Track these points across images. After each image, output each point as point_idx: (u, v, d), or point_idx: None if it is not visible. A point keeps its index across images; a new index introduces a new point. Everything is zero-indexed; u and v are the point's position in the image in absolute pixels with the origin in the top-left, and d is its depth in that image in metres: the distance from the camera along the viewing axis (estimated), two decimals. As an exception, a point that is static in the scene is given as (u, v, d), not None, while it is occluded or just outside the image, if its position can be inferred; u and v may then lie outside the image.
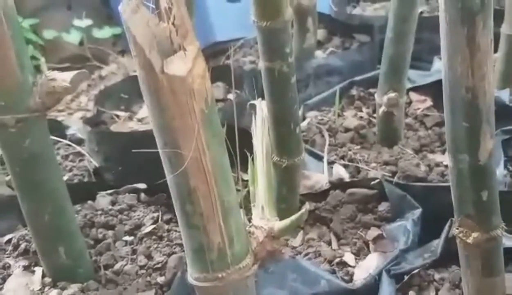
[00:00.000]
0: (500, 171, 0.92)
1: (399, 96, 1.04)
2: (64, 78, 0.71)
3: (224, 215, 0.51)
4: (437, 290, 0.77)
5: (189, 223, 0.51)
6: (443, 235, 0.81)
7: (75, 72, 0.71)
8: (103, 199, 0.96)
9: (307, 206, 0.92)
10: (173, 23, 0.47)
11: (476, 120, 0.59)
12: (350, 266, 0.83)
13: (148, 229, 0.88)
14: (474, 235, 0.64)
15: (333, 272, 0.82)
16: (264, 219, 0.58)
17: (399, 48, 1.03)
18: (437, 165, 1.01)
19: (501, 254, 0.66)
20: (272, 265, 0.78)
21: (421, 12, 1.48)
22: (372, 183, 0.93)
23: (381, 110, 1.08)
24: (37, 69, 2.17)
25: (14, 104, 0.71)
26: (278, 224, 0.57)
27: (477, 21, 0.54)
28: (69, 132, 1.33)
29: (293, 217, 0.58)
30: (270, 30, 0.79)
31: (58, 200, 0.78)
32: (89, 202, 0.96)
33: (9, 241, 0.91)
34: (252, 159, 0.71)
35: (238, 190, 0.59)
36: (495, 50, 1.34)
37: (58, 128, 1.32)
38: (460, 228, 0.65)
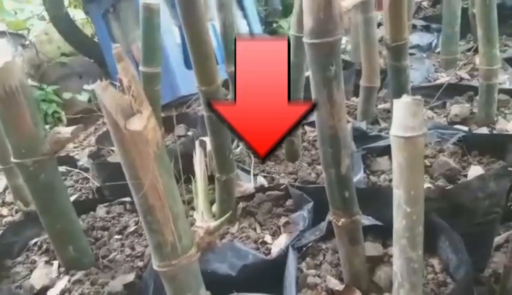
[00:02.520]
0: (361, 175, 0.94)
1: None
2: (66, 131, 0.68)
3: (174, 221, 0.50)
4: (324, 255, 0.77)
5: (150, 228, 0.50)
6: (326, 219, 0.81)
7: (73, 127, 0.69)
8: (101, 210, 0.93)
9: (240, 205, 0.91)
10: (132, 95, 0.46)
11: (337, 147, 0.60)
12: (269, 244, 0.83)
13: (132, 229, 0.86)
14: (342, 220, 0.65)
15: (258, 249, 0.82)
16: (203, 221, 0.57)
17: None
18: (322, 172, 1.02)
19: (360, 230, 0.67)
20: (216, 248, 0.77)
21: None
22: (281, 187, 0.93)
23: (286, 139, 1.09)
24: (59, 120, 2.10)
25: (31, 151, 0.69)
26: (213, 224, 0.56)
27: (333, 84, 0.56)
28: (80, 163, 1.28)
29: (222, 219, 0.58)
30: (207, 92, 0.79)
31: (66, 214, 0.75)
32: (92, 212, 0.93)
33: (35, 243, 0.86)
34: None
35: (184, 201, 0.59)
36: (357, 96, 1.37)
37: (72, 161, 1.28)
38: (333, 216, 0.66)
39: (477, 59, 1.18)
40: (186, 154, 1.02)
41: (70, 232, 0.76)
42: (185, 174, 1.04)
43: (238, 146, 1.16)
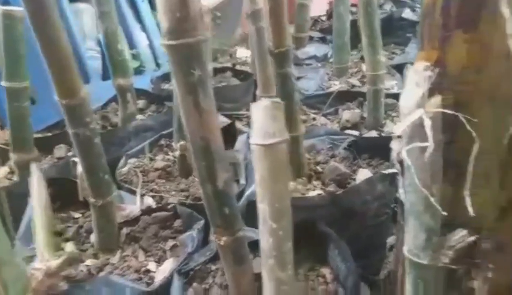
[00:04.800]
0: (254, 187, 0.90)
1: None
2: None
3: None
4: (214, 277, 0.71)
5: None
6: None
7: None
8: None
9: (124, 231, 0.81)
10: None
11: (210, 160, 0.54)
12: (152, 272, 0.74)
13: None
14: (224, 238, 0.59)
15: (140, 279, 0.73)
16: (44, 261, 0.48)
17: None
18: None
19: (245, 248, 0.62)
20: (89, 283, 0.67)
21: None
22: (169, 207, 0.85)
23: (178, 153, 1.02)
24: None
25: None
26: (55, 263, 0.47)
27: (199, 91, 0.50)
28: None
29: (64, 256, 0.48)
30: (69, 106, 0.69)
31: None
32: None
33: None
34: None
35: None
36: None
37: None
38: (215, 234, 0.60)
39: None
40: (65, 179, 0.91)
41: None
42: (61, 200, 0.92)
43: (125, 165, 1.06)
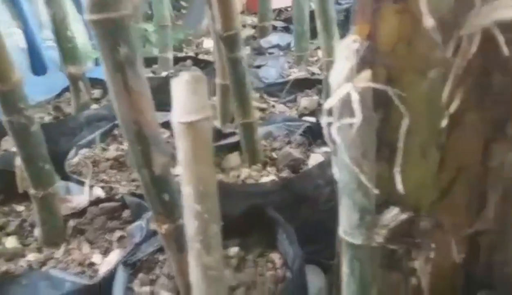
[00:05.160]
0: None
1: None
2: None
3: None
4: (161, 268, 0.69)
5: None
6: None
7: None
8: None
9: (70, 223, 0.78)
10: None
11: (145, 145, 0.51)
12: (97, 264, 0.71)
13: None
14: (165, 226, 0.57)
15: (83, 272, 0.69)
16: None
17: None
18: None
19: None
20: (25, 278, 0.63)
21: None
22: (117, 197, 0.82)
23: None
24: None
25: None
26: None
27: (127, 69, 0.47)
28: None
29: None
30: (1, 92, 0.64)
31: None
32: None
33: None
34: None
35: None
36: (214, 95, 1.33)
37: None
38: (156, 222, 0.58)
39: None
40: (7, 171, 0.86)
41: None
42: (4, 193, 0.87)
43: (75, 155, 1.01)
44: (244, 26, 2.17)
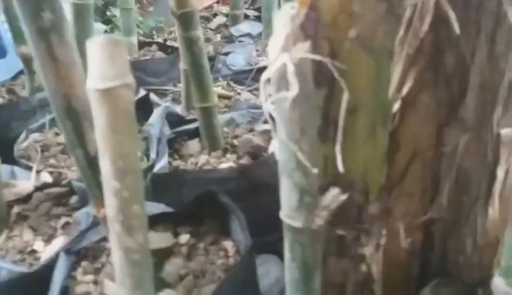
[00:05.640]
0: (165, 161, 0.84)
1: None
2: None
3: None
4: (107, 256, 0.65)
5: None
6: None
7: None
8: None
9: (15, 210, 0.73)
10: None
11: (77, 122, 0.47)
12: (39, 252, 0.67)
13: None
14: (103, 210, 0.53)
15: (23, 260, 0.65)
16: None
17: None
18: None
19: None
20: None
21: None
22: (63, 182, 0.77)
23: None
24: None
25: None
26: None
27: (52, 37, 0.43)
28: None
29: None
30: None
31: None
32: None
33: None
34: None
35: None
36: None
37: None
38: (94, 207, 0.54)
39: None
40: None
41: None
42: None
43: (26, 138, 0.96)
44: (216, 14, 2.12)
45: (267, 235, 0.70)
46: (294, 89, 0.34)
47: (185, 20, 0.76)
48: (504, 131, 0.52)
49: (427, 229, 0.63)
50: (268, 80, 0.38)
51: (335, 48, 0.40)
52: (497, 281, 0.42)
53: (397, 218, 0.54)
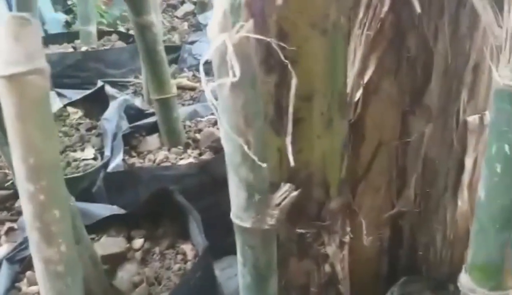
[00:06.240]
0: (119, 159, 0.79)
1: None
2: None
3: None
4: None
5: None
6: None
7: None
8: None
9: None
10: None
11: None
12: (-23, 261, 0.62)
13: None
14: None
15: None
16: None
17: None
18: (75, 160, 0.84)
19: (80, 224, 0.52)
20: None
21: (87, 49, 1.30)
22: (6, 184, 0.72)
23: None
24: None
25: None
26: None
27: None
28: None
29: None
30: None
31: None
32: None
33: None
34: None
35: None
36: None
37: None
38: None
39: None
40: None
41: None
42: None
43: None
44: (183, 1, 2.07)
45: (232, 236, 0.66)
46: (236, 73, 0.31)
47: (136, 3, 0.71)
48: (471, 118, 0.50)
49: (395, 224, 0.61)
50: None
51: (285, 29, 0.37)
52: (463, 278, 0.40)
53: (363, 214, 0.51)
